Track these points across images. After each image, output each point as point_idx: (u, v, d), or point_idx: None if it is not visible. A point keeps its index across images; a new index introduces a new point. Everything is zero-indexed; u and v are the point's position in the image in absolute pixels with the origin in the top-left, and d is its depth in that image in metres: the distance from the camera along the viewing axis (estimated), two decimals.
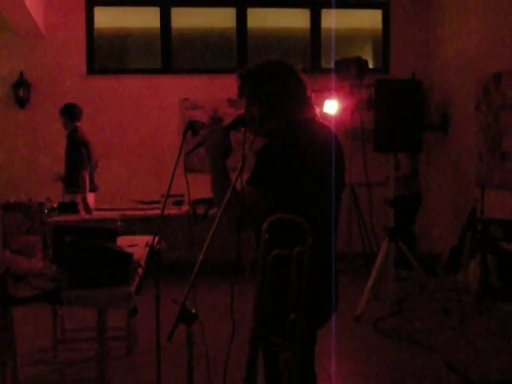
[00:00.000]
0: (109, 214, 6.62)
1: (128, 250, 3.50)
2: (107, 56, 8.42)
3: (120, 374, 4.34)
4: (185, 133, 2.61)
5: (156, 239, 3.08)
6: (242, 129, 2.46)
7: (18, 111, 7.92)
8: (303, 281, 2.08)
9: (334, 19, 8.43)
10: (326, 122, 2.59)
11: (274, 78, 2.51)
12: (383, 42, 8.64)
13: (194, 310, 2.11)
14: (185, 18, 8.37)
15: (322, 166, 2.46)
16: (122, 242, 3.93)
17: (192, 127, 2.59)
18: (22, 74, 7.85)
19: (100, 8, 8.21)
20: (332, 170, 2.48)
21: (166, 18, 8.26)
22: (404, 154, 7.11)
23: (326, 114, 7.53)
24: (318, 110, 2.60)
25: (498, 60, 6.67)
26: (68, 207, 6.56)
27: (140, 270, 3.32)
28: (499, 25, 6.69)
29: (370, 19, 8.76)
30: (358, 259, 7.56)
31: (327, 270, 2.48)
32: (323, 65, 8.44)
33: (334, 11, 8.50)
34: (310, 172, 2.40)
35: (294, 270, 2.09)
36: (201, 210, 6.89)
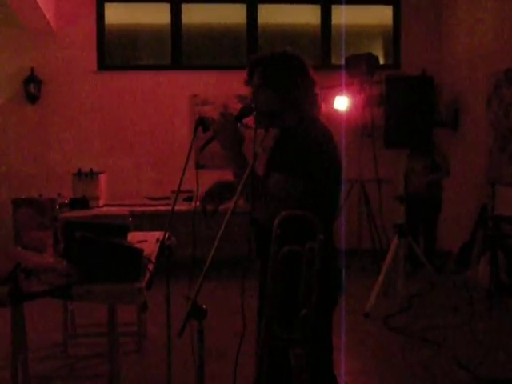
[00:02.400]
0: (119, 210, 6.65)
1: (138, 245, 3.51)
2: (118, 52, 8.43)
3: (130, 369, 4.35)
4: (195, 129, 2.61)
5: (167, 235, 3.08)
6: (251, 117, 2.48)
7: (29, 107, 7.95)
8: (313, 276, 2.08)
9: (344, 15, 8.41)
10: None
11: (288, 69, 2.51)
12: (394, 38, 8.61)
13: (204, 306, 2.11)
14: (195, 14, 8.36)
15: (338, 164, 2.50)
16: (133, 237, 3.94)
17: (202, 123, 2.59)
18: (32, 70, 7.87)
19: (110, 4, 8.22)
20: (342, 170, 2.51)
21: (176, 14, 8.26)
22: (441, 155, 7.08)
23: (336, 110, 7.52)
24: (322, 108, 2.62)
25: (509, 56, 6.63)
26: (79, 203, 6.59)
27: (150, 266, 3.33)
28: (510, 21, 6.65)
29: (380, 15, 8.73)
30: (367, 256, 7.55)
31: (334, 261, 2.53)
32: (333, 61, 8.42)
33: (344, 7, 8.47)
34: (330, 170, 2.44)
35: (305, 266, 2.09)
36: (210, 207, 6.90)
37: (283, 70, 2.51)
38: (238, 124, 2.47)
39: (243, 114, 2.50)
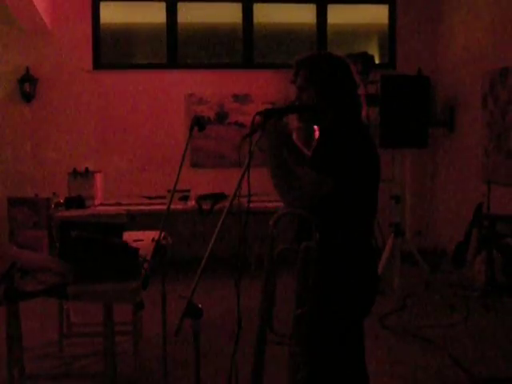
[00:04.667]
0: (115, 210, 6.64)
1: (134, 245, 3.51)
2: (113, 51, 8.41)
3: (126, 368, 4.34)
4: (191, 128, 2.62)
5: (162, 234, 3.08)
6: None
7: (24, 106, 7.93)
8: (310, 276, 2.09)
9: (340, 14, 8.41)
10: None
11: (331, 70, 2.56)
12: (389, 37, 8.61)
13: (200, 305, 2.11)
14: (191, 13, 8.35)
15: (375, 168, 2.59)
16: (128, 237, 3.94)
17: (198, 122, 2.60)
18: (28, 68, 7.85)
19: (106, 3, 8.20)
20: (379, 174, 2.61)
21: (172, 13, 8.26)
22: None
23: None
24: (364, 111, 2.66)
25: (505, 56, 6.64)
26: (74, 202, 6.58)
27: (146, 265, 3.33)
28: (506, 20, 6.66)
29: (376, 14, 8.73)
30: None
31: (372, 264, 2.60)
32: None
33: (340, 6, 8.48)
34: (364, 173, 2.51)
35: (300, 265, 2.09)
36: (206, 206, 6.90)
37: (326, 70, 2.55)
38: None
39: (287, 110, 2.54)
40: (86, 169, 7.00)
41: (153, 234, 4.13)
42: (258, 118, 2.38)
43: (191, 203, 7.09)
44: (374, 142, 2.57)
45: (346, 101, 2.56)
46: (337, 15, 8.45)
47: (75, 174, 6.94)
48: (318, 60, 2.58)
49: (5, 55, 7.88)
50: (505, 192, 6.47)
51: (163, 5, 8.26)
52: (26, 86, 7.86)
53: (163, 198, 7.11)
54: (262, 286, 2.15)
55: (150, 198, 7.46)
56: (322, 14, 8.47)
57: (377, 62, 7.84)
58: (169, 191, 7.00)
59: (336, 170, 2.37)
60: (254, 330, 2.34)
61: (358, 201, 2.49)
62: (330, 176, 2.36)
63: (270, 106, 2.65)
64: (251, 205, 2.30)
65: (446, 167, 8.13)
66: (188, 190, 7.02)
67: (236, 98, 7.98)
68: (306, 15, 8.53)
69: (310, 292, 2.09)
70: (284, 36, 8.60)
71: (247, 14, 8.36)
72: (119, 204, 7.04)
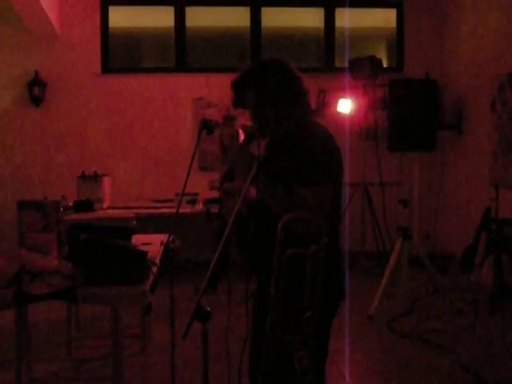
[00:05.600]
0: (123, 213, 6.66)
1: (142, 248, 3.52)
2: (121, 55, 8.45)
3: (134, 371, 4.36)
4: (200, 132, 2.62)
5: (171, 237, 3.09)
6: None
7: (33, 110, 7.96)
8: (318, 279, 2.09)
9: (347, 18, 8.42)
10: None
11: (275, 78, 2.51)
12: (397, 40, 8.61)
13: (208, 308, 2.12)
14: (199, 17, 8.38)
15: (342, 165, 2.53)
16: (137, 240, 3.95)
17: (207, 126, 2.60)
18: (36, 73, 7.89)
19: (115, 7, 8.23)
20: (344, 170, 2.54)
21: (180, 17, 8.28)
22: None
23: (339, 113, 7.53)
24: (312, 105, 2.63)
25: None
26: (83, 205, 6.60)
27: (154, 269, 3.34)
28: None
29: (384, 18, 8.73)
30: (371, 259, 7.55)
31: (337, 263, 2.52)
32: (337, 64, 8.42)
33: (347, 10, 8.48)
34: (335, 172, 2.46)
35: (309, 269, 2.10)
36: (214, 209, 6.91)
37: (271, 80, 2.49)
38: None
39: (249, 140, 2.51)
40: (95, 172, 7.02)
41: (161, 238, 4.14)
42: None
43: (199, 207, 7.10)
44: (335, 141, 2.52)
45: (295, 104, 2.52)
46: (345, 19, 8.45)
47: (84, 177, 6.96)
48: (261, 72, 2.53)
49: (14, 59, 7.91)
50: None
51: (171, 9, 8.28)
52: (35, 90, 7.89)
53: (171, 201, 7.14)
54: (272, 289, 2.15)
55: (158, 201, 7.48)
56: (329, 18, 8.48)
57: (385, 65, 7.85)
58: (177, 195, 7.02)
59: (326, 175, 2.38)
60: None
61: (337, 201, 2.49)
62: (329, 183, 2.37)
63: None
64: None
65: (454, 171, 8.12)
66: (196, 194, 7.03)
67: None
68: (313, 19, 8.54)
69: (318, 295, 2.09)
70: (292, 40, 8.61)
71: (255, 17, 8.37)
72: (127, 207, 7.06)
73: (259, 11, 8.38)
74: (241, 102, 2.58)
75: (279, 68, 2.55)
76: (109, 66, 8.23)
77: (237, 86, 2.58)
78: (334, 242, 2.46)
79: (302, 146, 2.39)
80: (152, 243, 4.10)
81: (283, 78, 2.52)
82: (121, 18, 8.33)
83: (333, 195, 2.39)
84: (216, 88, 8.11)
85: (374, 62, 7.32)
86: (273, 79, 2.50)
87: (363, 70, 7.33)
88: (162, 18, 8.38)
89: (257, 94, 2.51)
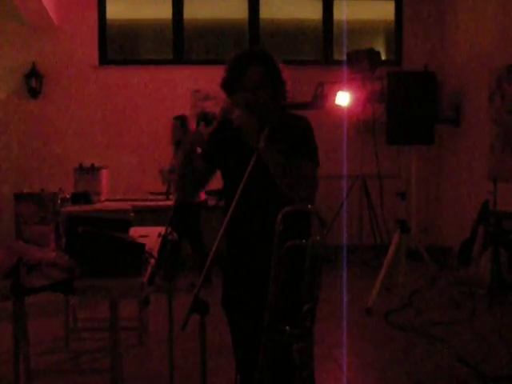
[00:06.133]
0: (121, 205, 6.64)
1: (140, 240, 3.51)
2: (119, 47, 8.42)
3: (132, 363, 4.35)
4: (198, 123, 2.61)
5: (168, 230, 3.08)
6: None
7: (31, 102, 7.95)
8: (317, 271, 2.08)
9: (346, 10, 8.40)
10: None
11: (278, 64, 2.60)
12: (396, 33, 8.59)
13: (206, 301, 2.11)
14: (197, 9, 8.36)
15: None
16: (134, 232, 3.93)
17: (205, 118, 2.59)
18: (34, 64, 7.87)
19: None
20: None
21: (178, 9, 8.25)
22: None
23: (338, 105, 7.52)
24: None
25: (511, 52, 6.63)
26: (81, 197, 6.58)
27: (152, 261, 3.33)
28: None
29: (382, 10, 8.71)
30: (369, 251, 7.55)
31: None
32: (335, 56, 8.41)
33: (346, 2, 8.47)
34: None
35: (308, 261, 2.09)
36: (212, 201, 6.90)
37: (277, 64, 2.59)
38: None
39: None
40: (92, 164, 7.00)
41: (159, 230, 4.12)
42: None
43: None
44: None
45: (284, 92, 2.63)
46: (343, 11, 8.43)
47: (81, 169, 6.94)
48: (270, 55, 2.60)
49: (11, 51, 7.89)
50: (511, 189, 6.45)
51: (169, 0, 8.26)
52: (33, 82, 7.87)
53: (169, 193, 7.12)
54: (270, 282, 2.14)
55: (155, 193, 7.46)
56: (328, 10, 8.46)
57: (383, 58, 7.83)
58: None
59: (316, 158, 2.56)
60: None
61: None
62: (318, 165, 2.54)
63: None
64: None
65: (452, 164, 8.12)
66: None
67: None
68: (312, 11, 8.52)
69: (317, 287, 2.08)
70: (290, 32, 8.59)
71: (253, 9, 8.35)
72: (125, 200, 7.05)
73: (257, 3, 8.36)
74: (237, 80, 2.58)
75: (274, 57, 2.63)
76: (106, 57, 8.21)
77: (241, 62, 2.58)
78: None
79: (307, 129, 2.58)
80: (150, 235, 4.09)
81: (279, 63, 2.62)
82: (118, 9, 8.31)
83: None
84: (214, 80, 8.01)
85: (372, 54, 7.31)
86: (278, 61, 2.60)
87: (361, 63, 7.31)
88: (159, 9, 8.35)
89: (264, 71, 2.55)
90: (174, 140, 6.62)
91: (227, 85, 2.63)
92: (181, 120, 6.54)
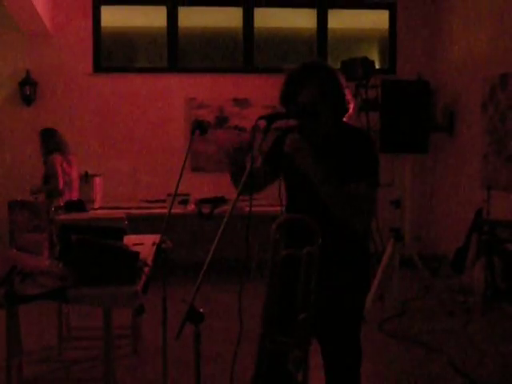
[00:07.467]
0: (115, 213, 6.62)
1: (134, 248, 3.50)
2: (114, 55, 8.43)
3: (126, 372, 4.34)
4: (193, 132, 2.62)
5: (162, 238, 3.08)
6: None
7: (25, 109, 7.94)
8: (312, 280, 2.08)
9: (340, 19, 8.42)
10: None
11: (338, 80, 2.59)
12: (390, 42, 8.62)
13: (201, 310, 2.11)
14: (191, 18, 8.37)
15: None
16: (128, 240, 3.93)
17: (200, 126, 2.60)
18: (28, 72, 7.86)
19: (107, 7, 8.21)
20: None
21: (172, 17, 8.26)
22: None
23: None
24: None
25: (505, 61, 6.65)
26: (74, 206, 6.56)
27: (146, 269, 3.32)
28: (506, 26, 6.67)
29: (376, 19, 8.74)
30: None
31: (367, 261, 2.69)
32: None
33: (340, 11, 8.49)
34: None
35: (303, 270, 2.09)
36: (206, 210, 6.90)
37: (338, 83, 2.54)
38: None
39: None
40: (86, 172, 7.00)
41: (153, 238, 4.12)
42: (261, 122, 2.34)
43: (191, 207, 7.09)
44: None
45: (344, 106, 2.58)
46: (337, 20, 8.46)
47: None
48: (326, 70, 2.54)
49: (5, 58, 7.89)
50: (505, 197, 6.47)
51: (164, 9, 8.27)
52: (27, 89, 7.86)
53: (163, 201, 7.11)
54: (266, 291, 2.14)
55: (150, 201, 7.46)
56: (322, 19, 8.48)
57: (377, 67, 7.84)
58: (169, 195, 7.00)
59: (376, 178, 2.55)
60: (255, 335, 2.33)
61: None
62: (377, 187, 2.53)
63: (270, 110, 2.63)
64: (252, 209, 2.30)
65: (445, 172, 8.13)
66: (187, 194, 7.01)
67: (236, 102, 7.98)
68: (306, 20, 8.54)
69: (313, 296, 2.08)
70: (284, 41, 8.61)
71: (248, 18, 8.37)
72: (119, 208, 7.04)
73: (252, 12, 8.38)
74: (292, 96, 2.52)
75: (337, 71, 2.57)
76: (101, 65, 8.21)
77: (301, 79, 2.51)
78: (368, 241, 2.66)
79: (366, 147, 2.54)
80: (144, 244, 4.08)
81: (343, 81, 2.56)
82: (113, 17, 8.31)
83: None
84: (208, 88, 8.10)
85: (367, 63, 7.32)
86: (336, 74, 2.55)
87: (356, 72, 7.32)
88: (154, 17, 8.36)
89: (316, 92, 2.48)
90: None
91: (283, 100, 2.57)
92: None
